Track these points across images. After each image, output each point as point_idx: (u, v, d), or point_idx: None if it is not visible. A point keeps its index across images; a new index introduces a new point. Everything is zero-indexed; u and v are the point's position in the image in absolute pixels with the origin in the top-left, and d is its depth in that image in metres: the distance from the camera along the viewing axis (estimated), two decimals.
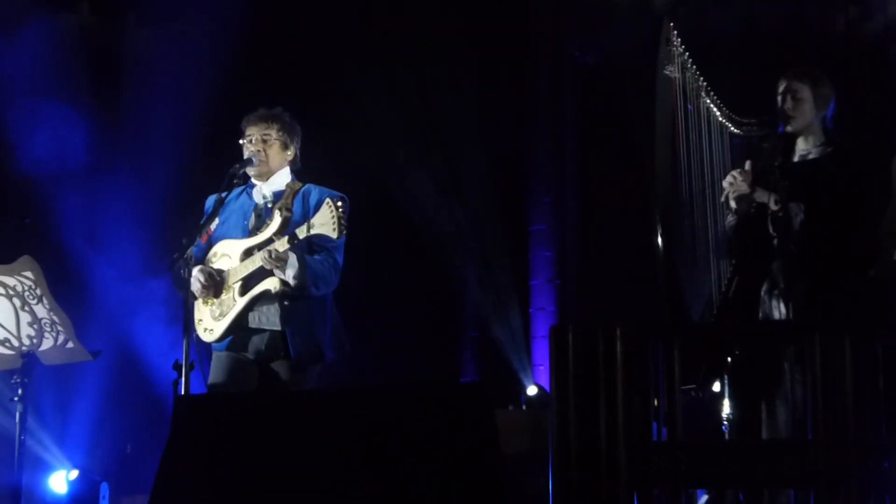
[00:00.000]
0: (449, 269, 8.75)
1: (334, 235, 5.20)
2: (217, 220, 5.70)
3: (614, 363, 4.21)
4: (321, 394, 5.00)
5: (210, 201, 5.72)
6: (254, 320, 5.59)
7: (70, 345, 5.79)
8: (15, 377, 5.62)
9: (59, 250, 7.87)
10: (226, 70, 8.14)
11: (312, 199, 5.63)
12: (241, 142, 5.75)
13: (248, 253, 5.60)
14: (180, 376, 5.18)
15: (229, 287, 5.67)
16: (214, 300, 5.59)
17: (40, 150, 7.74)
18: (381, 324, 8.83)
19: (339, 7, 8.46)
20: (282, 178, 5.74)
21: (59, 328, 5.78)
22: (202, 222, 5.57)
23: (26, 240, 7.42)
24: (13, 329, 5.70)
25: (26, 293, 5.80)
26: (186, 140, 8.03)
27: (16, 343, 5.70)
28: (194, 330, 5.58)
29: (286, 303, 5.54)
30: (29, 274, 5.85)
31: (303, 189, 5.66)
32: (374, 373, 8.51)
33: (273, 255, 5.39)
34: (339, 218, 5.15)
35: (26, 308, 5.79)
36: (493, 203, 8.80)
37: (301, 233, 5.34)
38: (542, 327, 8.78)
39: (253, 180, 5.70)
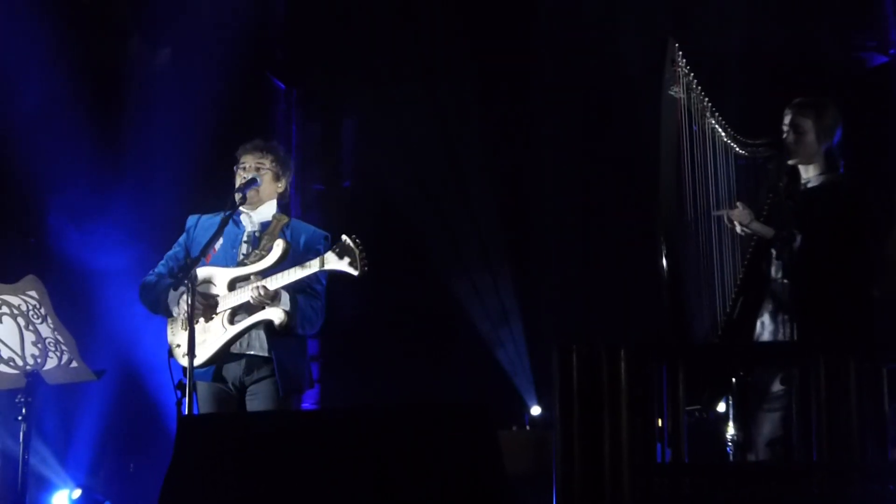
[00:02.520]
0: (450, 285, 8.63)
1: (355, 272, 5.10)
2: (220, 241, 5.61)
3: (619, 384, 4.22)
4: (324, 414, 5.30)
5: (192, 220, 5.64)
6: (237, 346, 5.52)
7: (74, 364, 5.71)
8: (19, 396, 5.54)
9: (64, 270, 7.74)
10: (230, 90, 8.09)
11: (301, 236, 5.56)
12: (235, 168, 5.71)
13: (235, 282, 5.52)
14: (184, 396, 5.12)
15: (216, 315, 5.56)
16: (190, 325, 5.37)
17: (45, 169, 7.66)
18: (381, 343, 8.75)
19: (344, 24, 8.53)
20: (269, 209, 5.69)
21: (63, 348, 5.71)
22: (205, 243, 5.44)
23: (31, 259, 7.30)
24: (17, 348, 5.62)
25: (30, 312, 5.70)
26: (190, 160, 7.92)
27: (20, 362, 5.62)
28: (170, 354, 5.51)
29: (272, 334, 5.51)
30: (33, 293, 5.76)
31: (291, 223, 5.62)
32: (375, 393, 8.45)
33: (263, 293, 5.30)
34: (359, 254, 5.08)
35: (30, 327, 5.70)
36: (496, 218, 8.78)
37: (312, 267, 5.23)
38: (544, 346, 8.65)
39: (242, 207, 5.60)
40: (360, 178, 9.01)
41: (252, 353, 5.52)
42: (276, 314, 5.43)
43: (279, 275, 5.36)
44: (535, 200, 8.66)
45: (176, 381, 5.16)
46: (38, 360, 5.64)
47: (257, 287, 5.32)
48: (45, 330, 5.70)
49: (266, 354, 5.48)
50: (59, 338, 5.73)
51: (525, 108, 8.52)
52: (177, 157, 7.83)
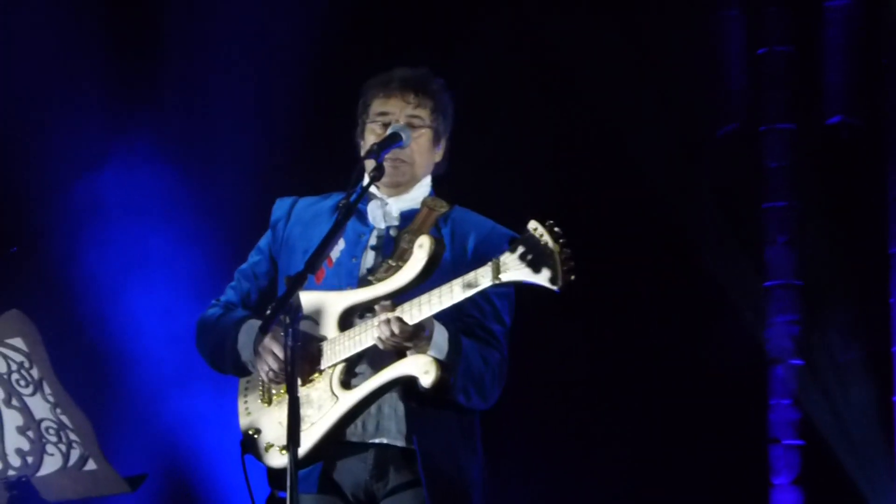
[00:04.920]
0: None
1: (554, 285, 4.03)
2: (341, 244, 4.64)
3: None
4: None
5: (282, 207, 4.82)
6: (355, 429, 4.53)
7: (91, 465, 4.83)
8: None
9: (70, 297, 6.81)
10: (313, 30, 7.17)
11: (469, 235, 4.64)
12: (360, 118, 4.69)
13: (353, 315, 4.53)
14: None
15: (320, 374, 4.58)
16: (282, 395, 4.57)
17: (42, 149, 6.92)
18: (575, 418, 7.30)
19: None
20: (420, 190, 4.70)
21: (72, 436, 4.82)
22: (314, 246, 4.39)
23: (12, 280, 6.25)
24: None
25: (13, 376, 4.81)
26: (257, 127, 7.15)
27: None
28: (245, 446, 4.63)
29: (413, 404, 4.47)
30: (18, 342, 4.87)
31: (452, 214, 4.66)
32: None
33: (399, 331, 4.29)
34: (560, 254, 4.01)
35: (14, 403, 4.79)
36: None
37: (481, 281, 4.17)
38: None
39: (376, 190, 4.63)
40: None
41: (383, 440, 4.51)
42: (422, 367, 4.34)
43: (425, 298, 4.31)
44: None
45: (261, 495, 4.45)
46: (29, 460, 4.77)
47: (388, 321, 4.30)
48: (38, 406, 4.86)
49: (405, 444, 4.47)
50: (65, 419, 4.85)
51: None
52: (240, 121, 7.16)
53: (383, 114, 4.58)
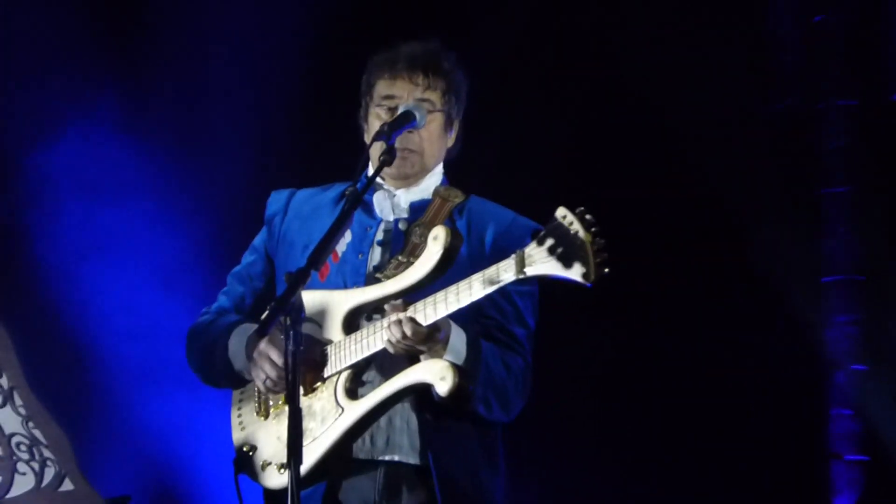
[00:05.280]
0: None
1: (585, 279, 3.93)
2: (347, 237, 4.55)
3: None
4: None
5: (278, 200, 4.71)
6: (363, 444, 4.44)
7: (68, 485, 4.61)
8: None
9: (44, 296, 6.66)
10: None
11: (487, 226, 4.54)
12: (364, 100, 4.58)
13: (358, 316, 4.47)
14: None
15: (323, 382, 4.49)
16: (280, 406, 4.51)
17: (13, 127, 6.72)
18: (603, 418, 7.02)
19: None
20: (431, 180, 4.63)
21: (47, 453, 4.59)
22: (324, 240, 4.20)
23: None
24: None
25: None
26: (243, 101, 6.94)
27: None
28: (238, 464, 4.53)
29: (428, 416, 4.40)
30: None
31: (468, 205, 4.58)
32: None
33: (411, 332, 4.20)
34: (591, 244, 3.88)
35: None
36: None
37: (504, 276, 4.06)
38: None
39: (382, 181, 4.57)
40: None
41: (394, 457, 4.41)
42: (437, 373, 4.26)
43: (441, 295, 4.20)
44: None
45: None
46: None
47: (399, 321, 4.20)
48: (9, 420, 4.64)
49: (418, 461, 4.38)
50: (38, 434, 4.66)
51: None
52: (235, 104, 6.95)
53: (389, 97, 4.43)
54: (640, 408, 7.11)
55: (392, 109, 4.48)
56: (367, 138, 4.53)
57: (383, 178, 4.50)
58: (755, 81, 7.19)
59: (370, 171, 4.42)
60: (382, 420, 4.40)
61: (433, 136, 4.50)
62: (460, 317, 4.24)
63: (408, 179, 4.53)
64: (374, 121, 4.49)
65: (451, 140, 4.59)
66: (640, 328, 6.96)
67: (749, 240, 7.12)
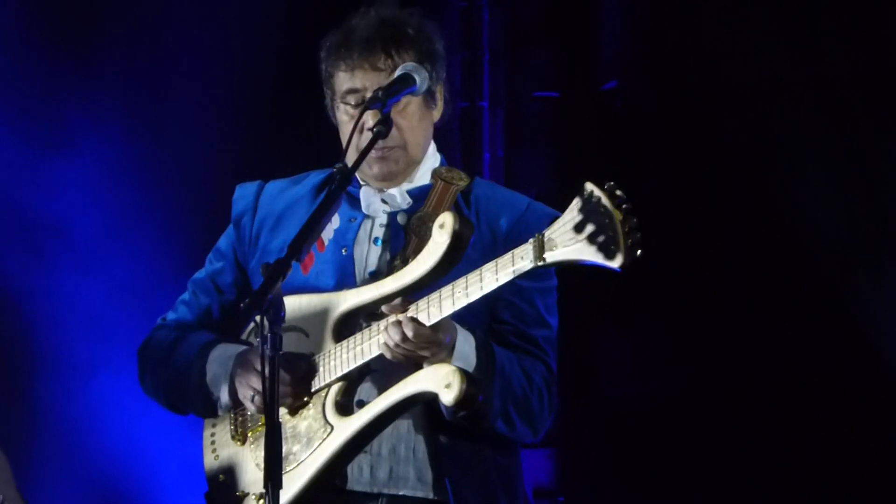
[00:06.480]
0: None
1: (614, 262, 3.56)
2: (335, 223, 4.22)
3: None
4: None
5: (245, 195, 4.33)
6: (358, 476, 4.07)
7: None
8: None
9: None
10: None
11: (501, 214, 4.21)
12: (331, 100, 4.22)
13: (350, 320, 4.11)
14: None
15: (310, 398, 4.15)
16: (259, 429, 4.08)
17: None
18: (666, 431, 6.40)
19: None
20: (426, 166, 4.28)
21: None
22: (307, 225, 3.85)
23: None
24: None
25: None
26: (206, 73, 6.70)
27: None
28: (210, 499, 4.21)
29: (442, 438, 4.05)
30: None
31: (475, 189, 4.25)
32: None
33: (413, 334, 3.84)
34: (622, 224, 3.53)
35: None
36: None
37: (520, 264, 3.69)
38: None
39: (364, 182, 4.22)
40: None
41: (398, 491, 4.06)
42: (441, 379, 3.86)
43: (446, 291, 3.84)
44: None
45: None
46: None
47: (399, 322, 3.87)
48: None
49: (430, 495, 4.02)
50: None
51: None
52: (199, 94, 6.72)
53: (353, 91, 4.10)
54: (685, 423, 6.49)
55: (359, 104, 4.13)
56: (342, 135, 4.15)
57: (365, 182, 4.19)
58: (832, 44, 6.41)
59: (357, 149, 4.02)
60: (384, 449, 4.10)
61: (413, 122, 4.16)
62: (467, 322, 3.95)
63: (396, 178, 4.20)
64: (344, 117, 4.16)
65: (437, 112, 4.25)
66: (687, 332, 6.47)
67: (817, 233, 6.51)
